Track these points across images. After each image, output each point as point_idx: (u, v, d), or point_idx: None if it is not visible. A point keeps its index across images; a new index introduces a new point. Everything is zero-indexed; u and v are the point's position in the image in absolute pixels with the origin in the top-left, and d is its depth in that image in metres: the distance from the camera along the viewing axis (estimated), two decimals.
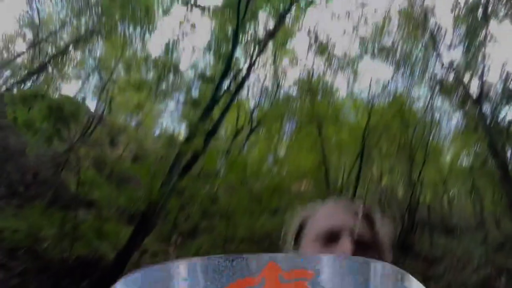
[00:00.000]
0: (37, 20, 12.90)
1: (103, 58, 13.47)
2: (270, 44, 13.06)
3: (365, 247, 0.77)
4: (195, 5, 13.06)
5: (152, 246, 9.22)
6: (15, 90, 12.27)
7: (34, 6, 12.92)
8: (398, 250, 8.58)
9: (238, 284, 0.41)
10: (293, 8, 12.92)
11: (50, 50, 13.41)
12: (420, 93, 12.77)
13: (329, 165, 12.01)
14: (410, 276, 0.50)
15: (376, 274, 0.45)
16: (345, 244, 0.75)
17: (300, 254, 0.42)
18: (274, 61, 14.08)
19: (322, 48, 13.98)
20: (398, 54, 12.78)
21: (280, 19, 12.25)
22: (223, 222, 8.91)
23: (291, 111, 14.18)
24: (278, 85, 15.08)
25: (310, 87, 13.45)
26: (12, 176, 10.75)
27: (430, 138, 10.82)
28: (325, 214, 0.84)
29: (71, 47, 13.17)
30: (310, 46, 14.20)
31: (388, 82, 13.03)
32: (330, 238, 0.77)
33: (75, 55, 13.86)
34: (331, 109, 12.64)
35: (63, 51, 13.17)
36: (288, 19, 13.33)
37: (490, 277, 5.15)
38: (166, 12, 12.83)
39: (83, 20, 12.59)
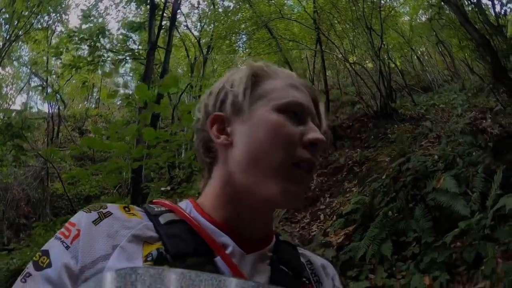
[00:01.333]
0: None
1: (32, 58, 12.53)
2: None
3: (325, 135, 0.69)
4: None
5: None
6: None
7: None
8: (384, 118, 8.81)
9: None
10: None
11: None
12: None
13: (292, 60, 11.82)
14: None
15: None
16: (315, 129, 0.66)
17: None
18: None
19: None
20: None
21: None
22: None
23: (235, 25, 13.51)
24: (213, 3, 14.25)
25: None
26: (11, 215, 10.77)
27: (382, 2, 10.39)
28: (287, 83, 0.70)
29: None
30: None
31: None
32: (294, 115, 0.66)
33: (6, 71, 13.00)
34: (273, 8, 11.99)
35: None
36: None
37: (476, 119, 5.33)
38: None
39: None
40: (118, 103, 20.26)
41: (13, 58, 12.65)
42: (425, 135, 5.84)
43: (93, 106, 17.53)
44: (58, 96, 12.66)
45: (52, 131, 12.59)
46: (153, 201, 0.69)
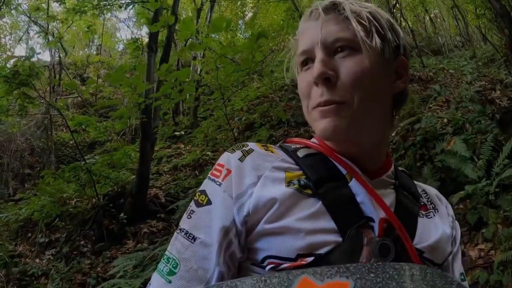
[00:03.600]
0: None
1: (32, 5, 12.05)
2: None
3: (344, 51, 0.65)
4: None
5: None
6: None
7: None
8: None
9: None
10: None
11: None
12: None
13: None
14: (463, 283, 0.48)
15: (415, 280, 0.42)
16: (314, 67, 0.65)
17: (334, 266, 0.46)
18: None
19: None
20: None
21: None
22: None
23: None
24: None
25: None
26: (15, 166, 10.85)
27: None
28: (302, 29, 0.72)
29: None
30: None
31: None
32: (309, 62, 0.69)
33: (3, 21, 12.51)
34: None
35: None
36: None
37: (485, 89, 5.28)
38: None
39: None
40: (120, 49, 19.84)
41: (12, 7, 12.17)
42: (433, 98, 5.82)
43: (94, 53, 17.18)
44: (59, 43, 12.37)
45: (54, 79, 12.44)
46: (287, 140, 0.78)
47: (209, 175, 0.68)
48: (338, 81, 0.64)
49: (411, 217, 0.70)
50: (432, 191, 0.83)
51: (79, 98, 13.04)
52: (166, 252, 0.66)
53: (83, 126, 8.78)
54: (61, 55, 13.28)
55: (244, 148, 0.69)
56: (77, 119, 7.53)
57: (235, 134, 8.04)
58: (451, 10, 10.71)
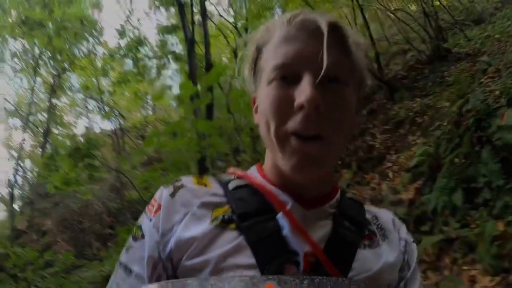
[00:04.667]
0: None
1: (82, 84, 13.42)
2: None
3: (337, 82, 0.61)
4: None
5: None
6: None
7: None
8: (439, 61, 8.17)
9: None
10: None
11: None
12: None
13: None
14: None
15: None
16: (306, 90, 0.58)
17: (298, 276, 0.47)
18: None
19: None
20: None
21: None
22: None
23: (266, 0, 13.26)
24: None
25: None
26: (96, 227, 11.75)
27: None
28: (279, 39, 0.64)
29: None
30: None
31: None
32: (289, 78, 0.61)
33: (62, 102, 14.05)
34: None
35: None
36: None
37: None
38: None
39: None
40: (174, 104, 21.01)
41: (66, 89, 13.70)
42: (483, 70, 5.35)
43: (151, 112, 18.32)
44: (116, 112, 13.41)
45: (118, 145, 13.40)
46: (227, 170, 0.76)
47: (145, 209, 0.69)
48: (325, 113, 0.59)
49: (348, 248, 0.66)
50: (387, 216, 0.77)
51: (145, 157, 13.86)
52: (108, 284, 0.67)
53: (150, 183, 9.30)
54: (120, 121, 14.35)
55: (176, 183, 0.68)
56: (141, 177, 8.04)
57: None
58: None
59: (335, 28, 0.62)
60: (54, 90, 12.48)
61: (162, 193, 0.67)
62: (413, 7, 10.25)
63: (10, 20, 8.75)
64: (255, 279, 0.41)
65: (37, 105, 13.43)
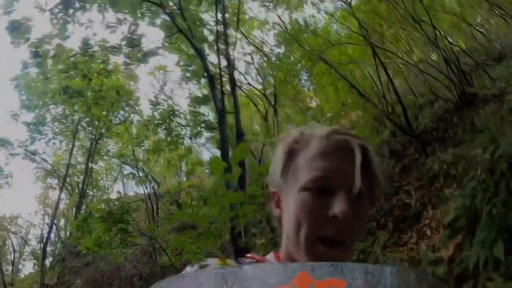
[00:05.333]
0: None
1: (118, 150, 14.06)
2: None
3: (360, 197, 0.70)
4: None
5: None
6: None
7: None
8: (466, 108, 7.99)
9: None
10: None
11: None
12: None
13: (356, 81, 11.60)
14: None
15: (410, 284, 0.44)
16: (341, 204, 0.67)
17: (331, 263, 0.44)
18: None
19: None
20: None
21: None
22: None
23: (292, 68, 13.75)
24: (266, 55, 14.73)
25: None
26: None
27: None
28: (317, 151, 0.73)
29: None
30: None
31: None
32: (323, 190, 0.70)
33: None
34: (320, 39, 12.05)
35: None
36: None
37: None
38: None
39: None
40: (207, 171, 21.29)
41: (102, 153, 14.38)
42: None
43: (184, 179, 18.62)
44: (150, 177, 13.74)
45: (151, 210, 13.57)
46: (247, 255, 0.79)
47: None
48: (349, 222, 0.68)
49: None
50: None
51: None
52: None
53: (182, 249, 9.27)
54: (154, 187, 14.65)
55: (202, 263, 0.72)
56: (174, 244, 8.06)
57: None
58: (492, 10, 9.94)
59: (364, 152, 0.71)
60: (91, 154, 13.11)
61: (186, 270, 0.70)
62: (434, 56, 10.30)
63: (52, 86, 9.54)
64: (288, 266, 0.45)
65: (74, 167, 14.14)
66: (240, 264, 0.74)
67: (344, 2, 11.15)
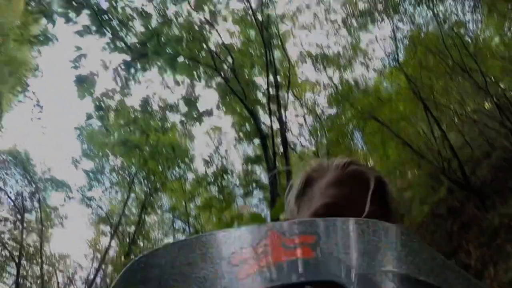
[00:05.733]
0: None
1: (171, 205, 14.51)
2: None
3: None
4: None
5: None
6: None
7: None
8: None
9: (244, 252, 0.42)
10: None
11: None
12: None
13: (409, 138, 11.22)
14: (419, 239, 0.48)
15: (383, 235, 0.44)
16: None
17: (300, 220, 0.49)
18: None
19: None
20: None
21: None
22: None
23: (344, 128, 13.73)
24: (319, 116, 14.91)
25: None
26: None
27: (467, 40, 9.64)
28: (331, 179, 0.72)
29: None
30: None
31: None
32: (333, 216, 0.64)
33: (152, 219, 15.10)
34: (371, 97, 12.07)
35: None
36: None
37: None
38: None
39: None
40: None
41: (156, 207, 14.88)
42: None
43: None
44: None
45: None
46: None
47: None
48: None
49: None
50: None
51: None
52: None
53: None
54: None
55: None
56: None
57: None
58: None
59: (379, 182, 0.71)
60: (145, 206, 13.60)
61: None
62: (487, 105, 9.75)
63: (112, 138, 10.38)
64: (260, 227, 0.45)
65: (127, 217, 14.66)
66: None
67: (392, 60, 11.27)
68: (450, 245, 8.15)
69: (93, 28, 6.59)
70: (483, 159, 9.34)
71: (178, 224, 14.92)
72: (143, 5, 8.16)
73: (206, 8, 9.65)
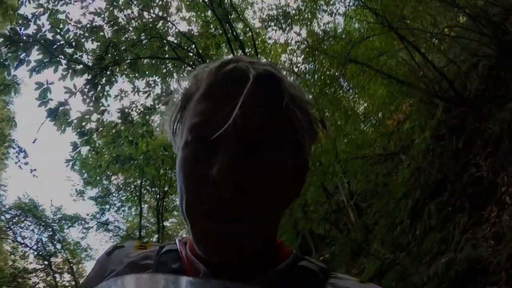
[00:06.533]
0: None
1: None
2: None
3: (265, 147, 0.48)
4: None
5: None
6: None
7: None
8: (507, 53, 7.28)
9: None
10: None
11: None
12: None
13: None
14: None
15: None
16: (221, 160, 0.46)
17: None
18: None
19: None
20: None
21: None
22: None
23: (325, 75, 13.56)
24: (298, 75, 14.68)
25: None
26: None
27: None
28: (203, 91, 0.54)
29: None
30: None
31: None
32: (207, 142, 0.49)
33: None
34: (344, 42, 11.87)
35: None
36: None
37: None
38: None
39: None
40: None
41: (169, 210, 15.01)
42: None
43: None
44: None
45: None
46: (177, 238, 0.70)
47: None
48: (248, 189, 0.48)
49: None
50: None
51: None
52: None
53: None
54: None
55: (117, 244, 0.70)
56: None
57: None
58: None
59: (268, 79, 0.51)
60: (160, 212, 13.69)
61: (103, 252, 0.70)
62: (461, 19, 9.56)
63: (105, 158, 10.23)
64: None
65: (147, 228, 14.84)
66: (160, 245, 0.67)
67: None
68: (458, 163, 8.19)
69: (45, 60, 6.34)
70: (470, 71, 9.30)
71: None
72: (89, 21, 7.85)
73: (154, 4, 9.29)
